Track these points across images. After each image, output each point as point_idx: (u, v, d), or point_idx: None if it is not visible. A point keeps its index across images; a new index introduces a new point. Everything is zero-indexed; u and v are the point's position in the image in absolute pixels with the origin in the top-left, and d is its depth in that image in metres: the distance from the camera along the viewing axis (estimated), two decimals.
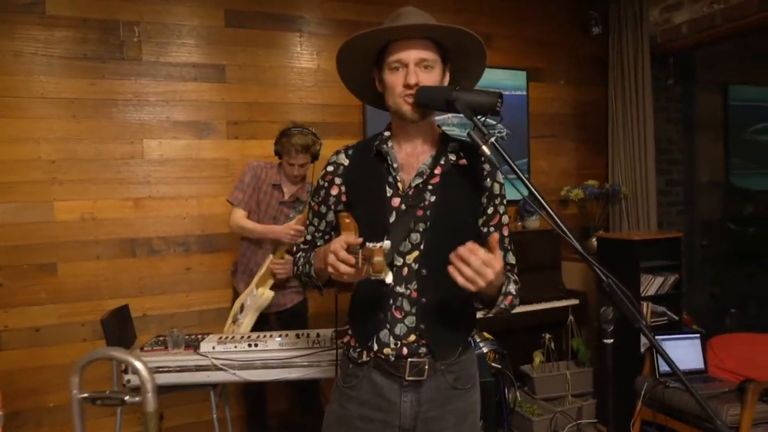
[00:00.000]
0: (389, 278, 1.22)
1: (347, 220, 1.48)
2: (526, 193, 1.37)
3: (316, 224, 1.63)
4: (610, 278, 1.24)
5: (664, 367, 3.01)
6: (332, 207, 1.59)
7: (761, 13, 3.51)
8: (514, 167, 1.33)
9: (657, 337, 3.13)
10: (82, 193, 3.27)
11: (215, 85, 3.51)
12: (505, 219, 1.58)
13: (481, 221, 1.55)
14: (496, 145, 1.33)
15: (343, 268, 1.27)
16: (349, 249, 1.29)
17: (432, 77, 1.45)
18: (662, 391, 2.92)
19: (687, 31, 3.98)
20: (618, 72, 4.38)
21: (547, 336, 3.66)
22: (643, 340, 3.24)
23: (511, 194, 1.59)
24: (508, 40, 4.25)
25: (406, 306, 1.47)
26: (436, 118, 1.61)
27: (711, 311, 3.67)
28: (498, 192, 1.56)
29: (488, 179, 1.54)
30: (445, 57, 1.50)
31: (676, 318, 3.32)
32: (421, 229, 1.47)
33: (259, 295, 2.79)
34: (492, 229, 1.55)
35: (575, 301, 3.82)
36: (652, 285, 3.29)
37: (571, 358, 3.84)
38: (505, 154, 1.33)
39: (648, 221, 4.20)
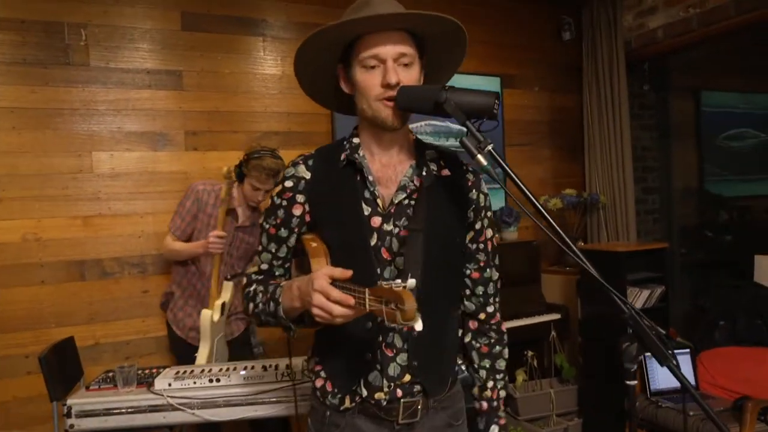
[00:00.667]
0: (419, 324, 0.95)
1: (314, 244, 1.26)
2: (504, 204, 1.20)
3: (273, 250, 1.36)
4: (633, 309, 1.06)
5: (655, 385, 2.86)
6: (295, 230, 1.33)
7: (738, 17, 3.44)
8: (515, 179, 1.13)
9: (645, 354, 2.98)
10: (24, 212, 2.97)
11: (171, 93, 3.25)
12: (490, 233, 1.41)
13: (469, 237, 1.37)
14: (494, 153, 1.14)
15: (339, 310, 1.05)
16: (335, 285, 1.08)
17: (412, 75, 1.24)
18: (655, 411, 2.77)
19: (662, 35, 3.90)
20: (592, 78, 4.28)
21: (530, 353, 3.49)
22: None
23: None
24: (482, 46, 4.10)
25: (398, 342, 1.26)
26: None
27: (692, 322, 3.56)
28: (483, 204, 1.38)
29: (473, 191, 1.36)
30: (422, 52, 1.29)
31: (664, 332, 3.17)
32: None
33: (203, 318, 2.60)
34: (481, 245, 1.38)
35: (557, 316, 3.67)
36: (638, 298, 3.16)
37: (555, 375, 3.67)
38: (504, 164, 1.13)
39: (627, 231, 4.09)
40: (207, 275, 2.78)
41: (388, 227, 1.26)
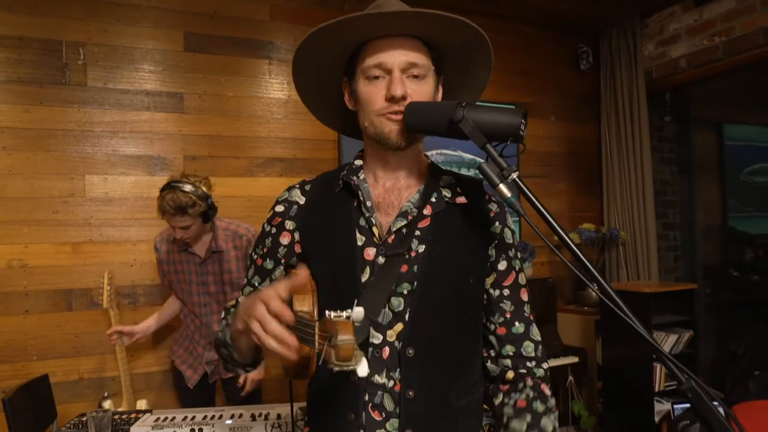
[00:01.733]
0: (363, 369, 0.76)
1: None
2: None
3: (257, 284, 1.18)
4: (693, 379, 0.85)
5: None
6: (282, 261, 1.15)
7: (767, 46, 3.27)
8: (545, 212, 0.95)
9: (675, 405, 2.74)
10: (10, 237, 2.82)
11: (171, 116, 3.11)
12: (523, 278, 1.16)
13: (490, 280, 1.13)
14: (520, 182, 0.95)
15: (275, 327, 0.83)
16: (295, 308, 0.87)
17: (423, 90, 1.06)
18: None
19: (686, 65, 3.74)
20: (611, 109, 4.12)
21: None
22: (658, 407, 2.84)
23: None
24: (495, 73, 3.84)
25: (388, 404, 1.03)
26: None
27: (723, 370, 3.30)
28: (511, 240, 1.15)
29: (496, 223, 1.14)
30: (439, 66, 1.12)
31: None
32: (405, 292, 1.05)
33: None
34: (506, 291, 1.13)
35: (574, 359, 3.43)
36: (665, 344, 2.92)
37: (572, 424, 3.42)
38: (532, 195, 0.95)
39: (648, 269, 3.87)
40: (201, 320, 2.61)
41: (383, 260, 1.06)
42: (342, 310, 0.76)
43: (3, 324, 2.78)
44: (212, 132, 3.19)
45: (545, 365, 1.14)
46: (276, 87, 3.35)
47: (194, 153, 3.15)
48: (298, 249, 1.14)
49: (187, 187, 2.33)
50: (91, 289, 2.94)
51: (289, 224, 1.14)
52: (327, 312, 0.76)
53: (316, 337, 0.79)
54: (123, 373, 2.58)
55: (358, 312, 0.75)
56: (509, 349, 1.12)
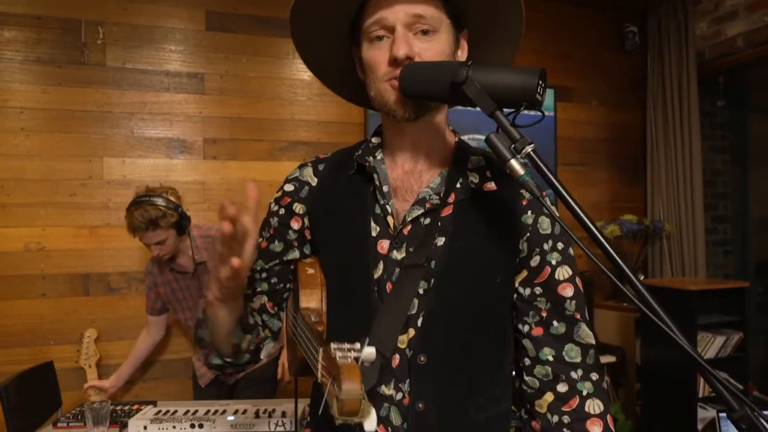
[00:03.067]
0: (371, 423, 0.64)
1: (310, 271, 0.96)
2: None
3: (258, 268, 1.03)
4: (747, 404, 0.68)
5: None
6: (295, 245, 1.03)
7: None
8: (563, 192, 0.78)
9: (721, 414, 2.51)
10: (28, 219, 2.78)
11: (191, 97, 3.02)
12: (564, 273, 0.95)
13: (520, 278, 0.96)
14: (536, 156, 0.79)
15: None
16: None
17: (435, 47, 0.89)
18: None
19: (743, 44, 3.44)
20: (658, 93, 3.84)
21: None
22: (701, 414, 2.62)
23: None
24: (534, 55, 3.74)
25: (395, 418, 0.89)
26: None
27: None
28: (548, 231, 0.95)
29: (529, 212, 0.96)
30: (459, 20, 0.94)
31: (741, 387, 2.69)
32: (421, 291, 0.90)
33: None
34: (538, 289, 0.95)
35: (611, 359, 3.22)
36: (711, 346, 2.69)
37: None
38: (548, 171, 0.78)
39: (695, 264, 3.60)
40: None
41: (398, 255, 0.92)
42: (350, 342, 0.64)
43: (20, 307, 2.76)
44: (233, 114, 3.09)
45: (594, 376, 0.94)
46: (300, 67, 3.22)
47: (214, 135, 3.05)
48: (308, 235, 1.03)
49: (155, 200, 2.21)
50: (109, 274, 2.89)
51: (299, 207, 1.02)
52: (332, 345, 0.64)
53: (320, 365, 0.68)
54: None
55: (368, 353, 0.64)
56: (548, 353, 0.94)
